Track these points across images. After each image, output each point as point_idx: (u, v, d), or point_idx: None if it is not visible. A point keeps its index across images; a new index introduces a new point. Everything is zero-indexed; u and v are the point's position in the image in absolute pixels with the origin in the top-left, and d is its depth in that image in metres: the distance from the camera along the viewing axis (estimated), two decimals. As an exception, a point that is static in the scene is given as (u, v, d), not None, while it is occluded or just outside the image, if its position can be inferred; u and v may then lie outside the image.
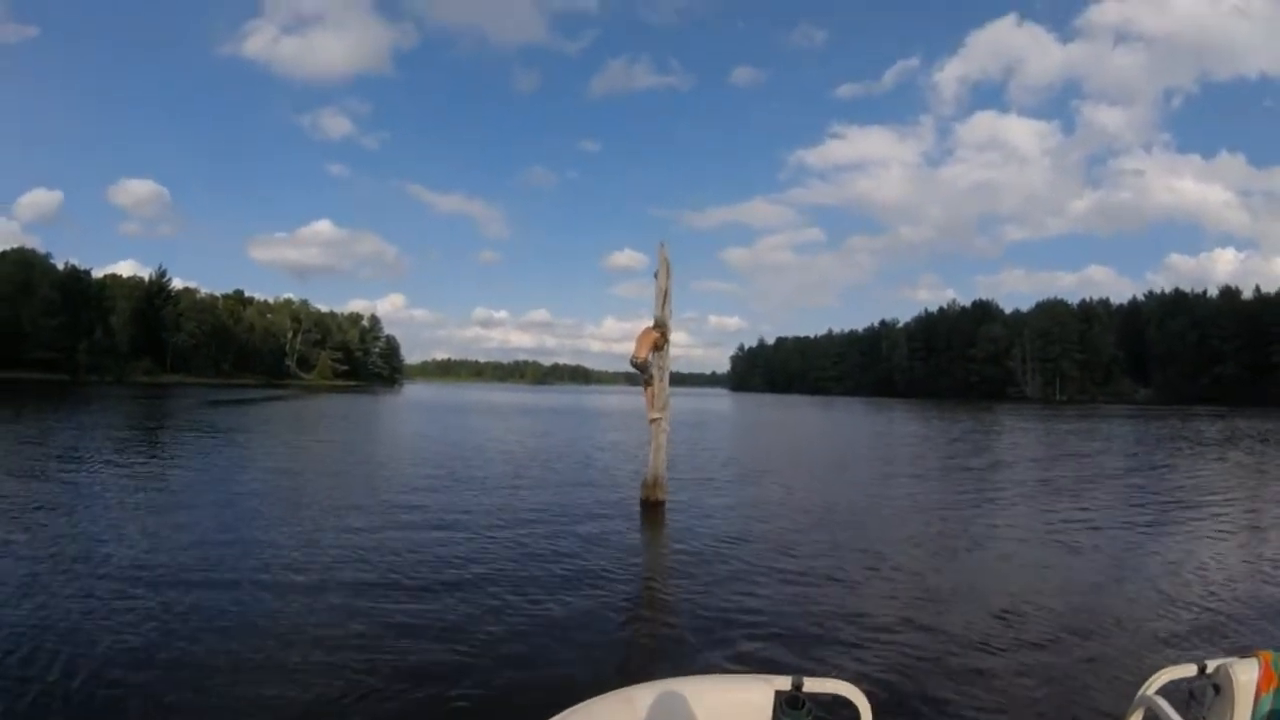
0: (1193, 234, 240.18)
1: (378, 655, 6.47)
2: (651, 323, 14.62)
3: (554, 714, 1.98)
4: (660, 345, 14.49)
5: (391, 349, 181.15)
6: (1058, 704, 5.71)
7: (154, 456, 21.24)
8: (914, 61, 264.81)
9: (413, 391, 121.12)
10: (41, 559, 9.44)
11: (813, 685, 2.14)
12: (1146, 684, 2.41)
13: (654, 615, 8.33)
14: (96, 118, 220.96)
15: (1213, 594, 8.89)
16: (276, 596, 8.24)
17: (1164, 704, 2.30)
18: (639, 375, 14.77)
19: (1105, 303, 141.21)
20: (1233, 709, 2.34)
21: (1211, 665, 2.42)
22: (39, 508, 12.57)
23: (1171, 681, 2.41)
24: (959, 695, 5.83)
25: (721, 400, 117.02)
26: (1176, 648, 6.94)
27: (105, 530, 11.26)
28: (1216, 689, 2.40)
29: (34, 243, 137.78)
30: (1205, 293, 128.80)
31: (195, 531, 11.33)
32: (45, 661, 6.13)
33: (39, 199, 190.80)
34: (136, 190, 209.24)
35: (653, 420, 14.56)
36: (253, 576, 8.97)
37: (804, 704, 2.07)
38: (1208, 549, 11.56)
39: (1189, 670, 2.43)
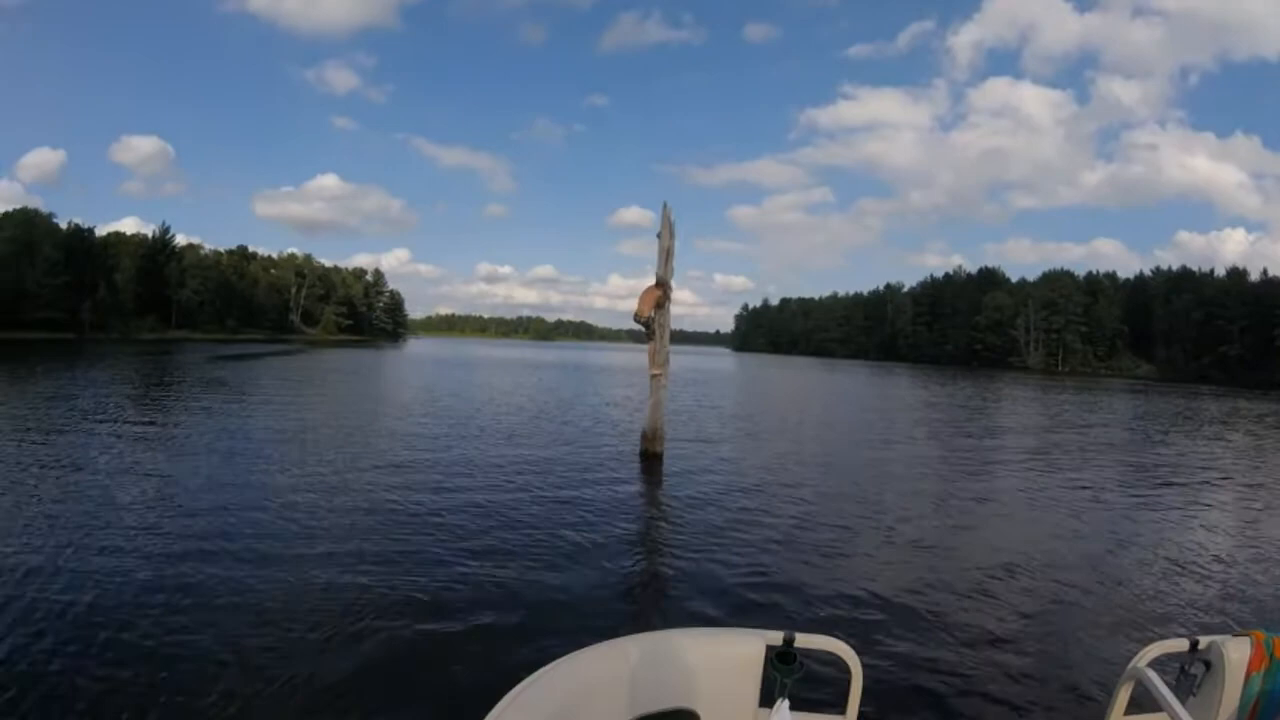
0: (1203, 213, 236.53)
1: (384, 592, 6.78)
2: (654, 281, 14.87)
3: (545, 663, 2.01)
4: (662, 303, 14.74)
5: (396, 304, 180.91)
6: (1048, 670, 5.74)
7: (171, 411, 21.66)
8: (929, 24, 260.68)
9: (416, 346, 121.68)
10: (82, 510, 9.96)
11: (804, 641, 2.16)
12: (1138, 657, 2.41)
13: (641, 560, 8.57)
14: (99, 76, 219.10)
15: (1208, 570, 8.84)
16: (301, 535, 8.75)
17: (1154, 677, 2.30)
18: (643, 332, 15.10)
19: (1112, 276, 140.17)
20: (1222, 686, 2.37)
21: (1204, 642, 2.44)
22: (66, 465, 12.77)
23: (1163, 656, 2.43)
24: (948, 654, 5.91)
25: (723, 359, 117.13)
26: (1169, 620, 6.92)
27: (162, 478, 11.91)
28: (1207, 665, 2.42)
29: (37, 203, 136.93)
30: (1213, 272, 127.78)
31: (224, 482, 11.87)
32: (79, 606, 6.63)
33: (41, 159, 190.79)
34: (140, 147, 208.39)
35: (653, 376, 14.85)
36: (274, 517, 9.49)
37: (795, 658, 2.13)
38: (1205, 525, 11.48)
39: (1181, 645, 2.46)
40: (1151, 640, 2.50)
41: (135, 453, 13.73)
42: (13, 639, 5.47)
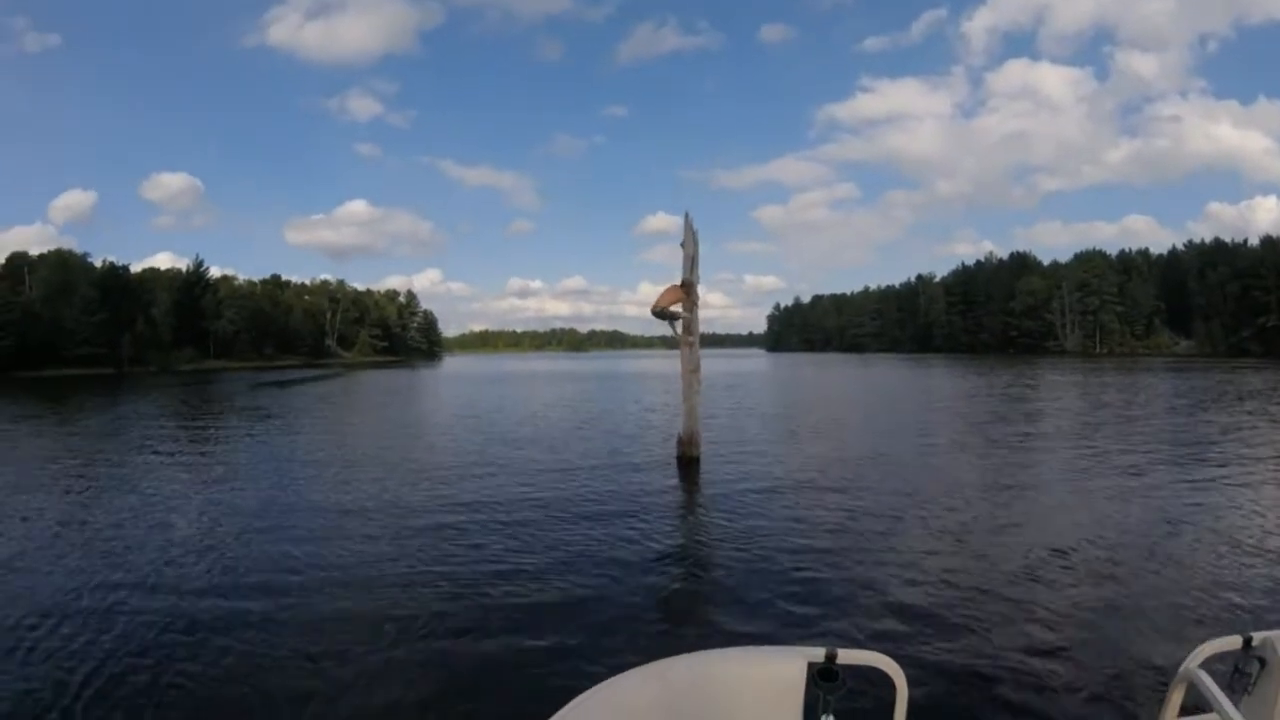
0: (1232, 182, 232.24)
1: (424, 612, 6.99)
2: (679, 282, 15.02)
3: (581, 689, 1.98)
4: (682, 300, 14.89)
5: (429, 323, 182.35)
6: (1100, 678, 5.52)
7: (220, 439, 22.24)
8: (942, 12, 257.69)
9: (453, 363, 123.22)
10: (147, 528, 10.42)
11: (847, 657, 2.07)
12: (1190, 657, 2.28)
13: (677, 572, 8.62)
14: (125, 116, 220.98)
15: (1262, 556, 8.53)
16: (367, 540, 9.19)
17: (1206, 678, 2.19)
18: (674, 336, 15.26)
19: (1145, 253, 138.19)
20: (1278, 684, 2.24)
21: (1257, 638, 2.30)
22: (139, 493, 13.54)
23: (1215, 654, 2.30)
24: (996, 664, 5.74)
25: (757, 360, 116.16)
26: (1222, 614, 6.68)
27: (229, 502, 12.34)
28: (1262, 663, 2.29)
29: (70, 243, 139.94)
30: (1246, 242, 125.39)
31: (277, 506, 12.35)
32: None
33: (73, 200, 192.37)
34: (169, 184, 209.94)
35: (685, 380, 14.95)
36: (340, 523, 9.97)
37: (838, 675, 2.04)
38: (1257, 507, 11.04)
39: (1234, 643, 2.32)
40: (1204, 639, 2.35)
41: (195, 480, 14.31)
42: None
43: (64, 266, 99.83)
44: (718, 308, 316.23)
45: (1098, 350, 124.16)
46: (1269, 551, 8.75)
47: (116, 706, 5.21)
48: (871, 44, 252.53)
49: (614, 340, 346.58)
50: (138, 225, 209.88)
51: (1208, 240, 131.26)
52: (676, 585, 8.13)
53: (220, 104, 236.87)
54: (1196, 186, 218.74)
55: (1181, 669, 2.29)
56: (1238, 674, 2.32)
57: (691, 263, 15.04)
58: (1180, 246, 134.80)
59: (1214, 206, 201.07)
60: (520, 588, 7.63)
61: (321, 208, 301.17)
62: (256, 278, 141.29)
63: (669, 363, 14.12)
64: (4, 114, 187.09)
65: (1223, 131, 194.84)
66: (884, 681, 2.09)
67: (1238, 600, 7.10)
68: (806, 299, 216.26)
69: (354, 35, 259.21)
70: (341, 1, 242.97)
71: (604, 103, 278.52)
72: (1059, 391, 38.65)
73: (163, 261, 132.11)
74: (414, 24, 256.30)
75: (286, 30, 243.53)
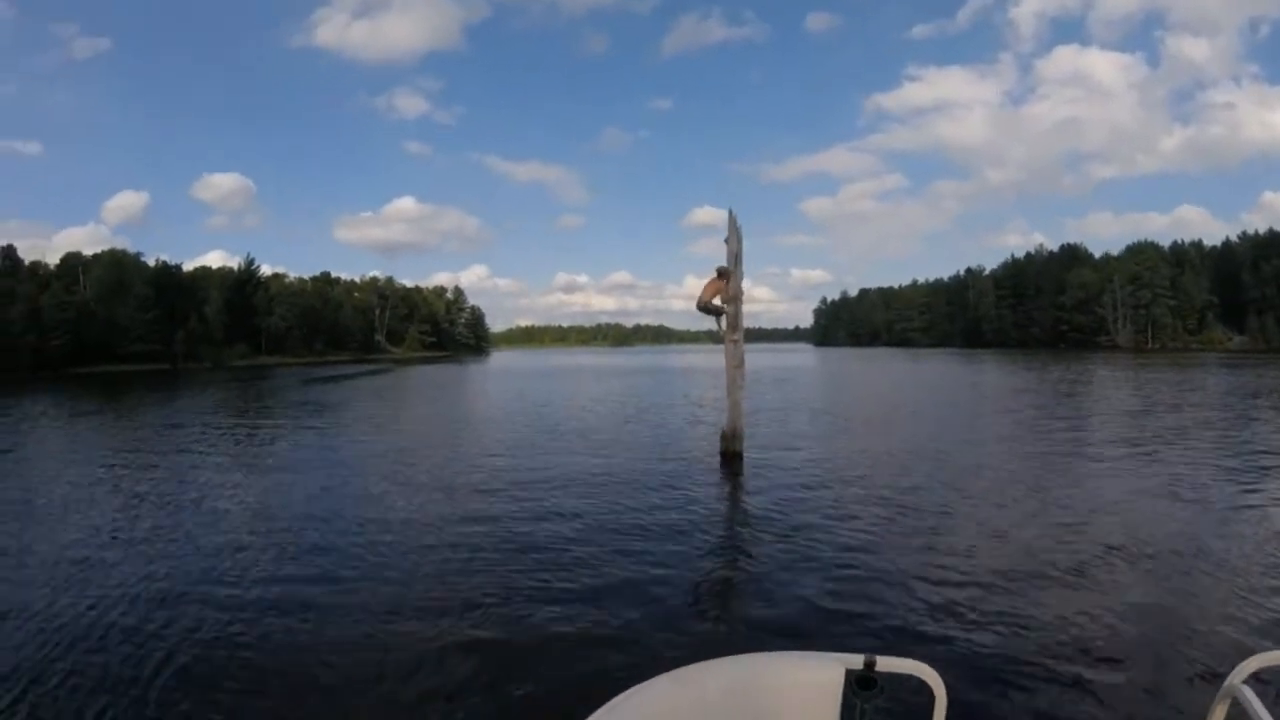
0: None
1: (463, 606, 7.19)
2: (716, 274, 15.29)
3: (615, 692, 1.94)
4: (722, 291, 15.10)
5: (476, 319, 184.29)
6: (1146, 691, 5.44)
7: (280, 433, 22.93)
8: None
9: (500, 358, 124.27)
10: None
11: (886, 665, 2.04)
12: (1235, 671, 2.19)
13: (716, 570, 8.70)
14: (174, 119, 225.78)
15: None
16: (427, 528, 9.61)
17: (1251, 696, 2.10)
18: (719, 332, 15.40)
19: (1198, 245, 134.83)
20: None
21: None
22: (217, 485, 14.37)
23: (1261, 669, 2.20)
24: (1040, 674, 5.64)
25: (805, 355, 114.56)
26: (1272, 626, 6.47)
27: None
28: None
29: (124, 243, 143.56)
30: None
31: (329, 498, 12.99)
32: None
33: (126, 201, 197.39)
34: (220, 184, 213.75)
35: (730, 374, 15.09)
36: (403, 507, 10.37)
37: (876, 683, 2.02)
38: None
39: None
40: (1250, 652, 2.24)
41: (255, 469, 15.05)
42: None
43: (118, 266, 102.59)
44: (763, 302, 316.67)
45: (1149, 345, 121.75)
46: None
47: (192, 683, 5.60)
48: (918, 32, 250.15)
49: (659, 335, 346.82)
50: (189, 225, 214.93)
51: (1262, 231, 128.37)
52: (712, 580, 8.25)
53: (269, 105, 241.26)
54: (1251, 175, 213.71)
55: (1226, 684, 2.21)
56: None
57: (735, 260, 15.18)
58: (1234, 238, 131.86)
59: (1269, 196, 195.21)
60: (556, 577, 7.92)
61: (370, 205, 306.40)
62: (307, 275, 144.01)
63: (714, 358, 14.22)
64: (57, 119, 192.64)
65: (1278, 118, 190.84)
66: (923, 690, 2.06)
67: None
68: (853, 292, 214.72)
69: (400, 33, 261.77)
70: (387, 0, 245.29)
71: (650, 96, 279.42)
72: (1110, 388, 38.01)
73: (214, 260, 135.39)
74: (459, 20, 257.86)
75: (333, 30, 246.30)
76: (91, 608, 7.13)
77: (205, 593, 7.57)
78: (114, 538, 9.91)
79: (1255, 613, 6.80)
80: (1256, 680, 2.17)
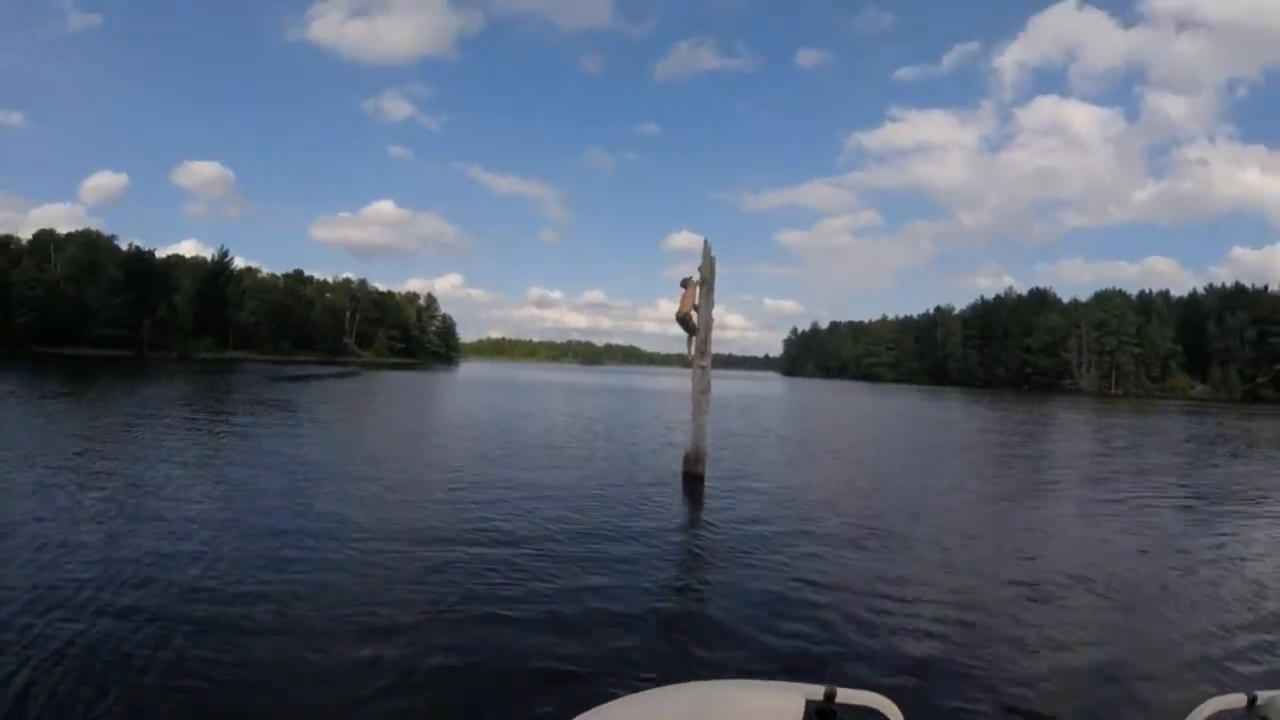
0: (1257, 226, 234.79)
1: (415, 625, 6.79)
2: (681, 285, 15.53)
3: (575, 714, 1.92)
4: (698, 295, 15.31)
5: (447, 327, 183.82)
6: None
7: (244, 432, 22.85)
8: (974, 45, 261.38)
9: (469, 369, 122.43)
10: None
11: (846, 696, 2.03)
12: (1192, 714, 2.21)
13: (673, 594, 8.50)
14: (162, 101, 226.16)
15: (1269, 610, 8.37)
16: (376, 547, 9.44)
17: None
18: (690, 357, 15.63)
19: (1165, 295, 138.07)
20: None
21: (1263, 697, 2.23)
22: (188, 481, 14.04)
23: (1219, 713, 2.23)
24: (998, 712, 5.65)
25: (772, 384, 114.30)
26: (1227, 669, 6.51)
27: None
28: None
29: (99, 225, 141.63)
30: (1267, 288, 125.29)
31: (284, 504, 12.75)
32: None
33: (104, 181, 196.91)
34: (202, 172, 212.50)
35: (695, 399, 15.35)
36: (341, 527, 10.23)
37: (836, 715, 2.02)
38: (1266, 558, 10.97)
39: (1238, 701, 2.24)
40: (1207, 696, 2.27)
41: (209, 468, 14.68)
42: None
43: (92, 246, 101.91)
44: (736, 329, 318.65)
45: (1113, 390, 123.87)
46: (1266, 605, 8.63)
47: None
48: (903, 74, 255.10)
49: (629, 355, 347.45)
50: (166, 211, 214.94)
51: (1229, 284, 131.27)
52: (661, 606, 7.98)
53: (258, 96, 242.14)
54: (1222, 230, 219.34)
55: None
56: None
57: (708, 288, 15.27)
58: (1201, 290, 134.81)
59: (1238, 251, 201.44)
60: (505, 598, 7.59)
61: (349, 206, 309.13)
62: (280, 272, 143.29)
63: (685, 381, 14.37)
64: (43, 91, 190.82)
65: (1249, 176, 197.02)
66: None
67: (1242, 651, 7.01)
68: (824, 324, 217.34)
69: (395, 36, 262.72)
70: (386, 2, 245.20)
71: (638, 119, 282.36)
72: (1072, 430, 38.83)
73: (188, 249, 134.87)
74: (454, 29, 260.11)
75: (329, 27, 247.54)
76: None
77: (108, 603, 6.89)
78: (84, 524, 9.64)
79: (1212, 651, 6.96)
80: None
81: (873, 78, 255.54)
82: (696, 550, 10.34)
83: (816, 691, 2.02)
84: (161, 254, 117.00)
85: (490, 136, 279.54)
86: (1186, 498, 16.31)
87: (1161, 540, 11.91)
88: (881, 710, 2.01)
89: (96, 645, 5.88)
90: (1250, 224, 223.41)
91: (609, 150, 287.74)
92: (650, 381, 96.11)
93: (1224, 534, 12.58)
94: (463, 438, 23.20)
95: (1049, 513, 14.43)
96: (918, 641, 6.96)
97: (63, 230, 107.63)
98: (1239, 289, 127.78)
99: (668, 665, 6.27)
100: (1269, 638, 7.39)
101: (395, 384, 59.73)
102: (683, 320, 15.46)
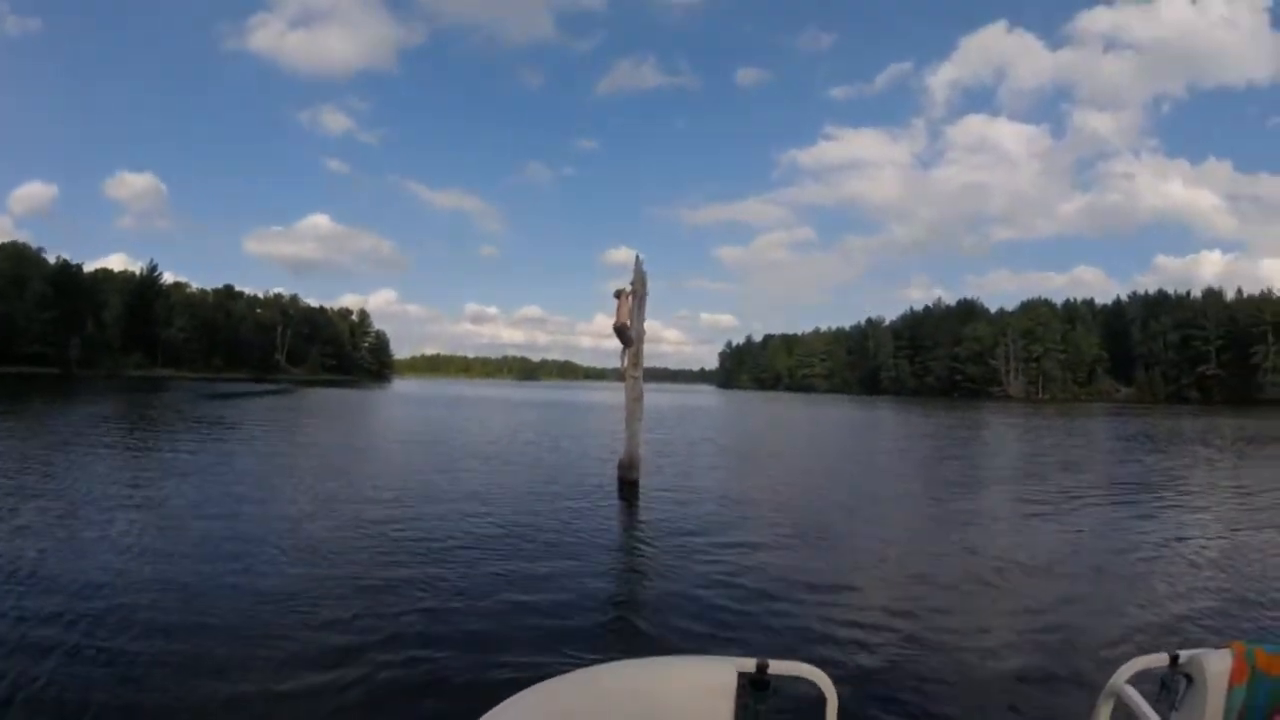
0: (1181, 237, 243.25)
1: (365, 617, 7.06)
2: (624, 287, 15.81)
3: (512, 692, 1.96)
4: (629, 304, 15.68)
5: (381, 344, 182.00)
6: (1029, 692, 5.74)
7: (183, 449, 22.54)
8: (906, 65, 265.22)
9: (401, 387, 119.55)
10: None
11: (778, 668, 2.07)
12: (1118, 673, 2.34)
13: (611, 585, 8.89)
14: (95, 110, 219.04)
15: (1188, 582, 9.02)
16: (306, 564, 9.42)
17: (1135, 694, 2.29)
18: (624, 370, 16.09)
19: (1090, 303, 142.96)
20: (1204, 701, 2.30)
21: (1184, 656, 2.36)
22: (117, 507, 13.89)
23: (1143, 671, 2.36)
24: (927, 678, 5.90)
25: (707, 397, 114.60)
26: (1150, 634, 6.90)
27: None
28: (1189, 680, 2.36)
29: (26, 237, 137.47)
30: (1189, 294, 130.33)
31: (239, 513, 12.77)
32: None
33: (32, 192, 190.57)
34: (133, 184, 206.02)
35: (629, 407, 15.88)
36: (273, 544, 10.27)
37: (769, 685, 2.05)
38: (1184, 539, 11.74)
39: (1161, 660, 2.36)
40: (1131, 655, 2.41)
41: (147, 495, 14.45)
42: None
43: (19, 259, 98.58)
44: (672, 343, 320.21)
45: (1040, 395, 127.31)
46: (1197, 574, 9.54)
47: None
48: (838, 93, 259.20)
49: (566, 370, 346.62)
50: (96, 223, 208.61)
51: (1152, 291, 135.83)
52: (607, 597, 8.26)
53: (193, 106, 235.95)
54: (1146, 240, 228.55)
55: (1109, 684, 2.35)
56: (1165, 690, 2.39)
57: (640, 302, 15.74)
58: (1125, 297, 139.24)
59: (1161, 260, 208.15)
60: (444, 598, 7.75)
61: (283, 220, 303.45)
62: (210, 286, 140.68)
63: (620, 394, 14.73)
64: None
65: (1173, 189, 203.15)
66: (814, 693, 2.07)
67: (1163, 621, 7.54)
68: (759, 338, 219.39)
69: (334, 48, 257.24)
70: (327, 13, 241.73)
71: (578, 135, 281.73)
72: (998, 431, 40.47)
73: (116, 263, 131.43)
74: (395, 42, 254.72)
75: (269, 36, 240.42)
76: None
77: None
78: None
79: (1132, 620, 7.51)
80: (1139, 680, 2.33)
81: (809, 96, 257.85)
82: (634, 552, 10.71)
83: (749, 664, 2.06)
84: (89, 267, 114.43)
85: (429, 150, 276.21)
86: (1113, 488, 17.46)
87: (1092, 526, 12.77)
88: (814, 680, 2.07)
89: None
90: (1174, 234, 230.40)
91: (549, 165, 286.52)
92: (586, 395, 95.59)
93: (1150, 518, 13.57)
94: (398, 453, 23.42)
95: (981, 505, 15.27)
96: (843, 619, 7.32)
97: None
98: (1162, 295, 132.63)
99: (599, 637, 6.79)
100: (1192, 607, 8.00)
101: (328, 401, 59.00)
102: (620, 330, 15.68)
